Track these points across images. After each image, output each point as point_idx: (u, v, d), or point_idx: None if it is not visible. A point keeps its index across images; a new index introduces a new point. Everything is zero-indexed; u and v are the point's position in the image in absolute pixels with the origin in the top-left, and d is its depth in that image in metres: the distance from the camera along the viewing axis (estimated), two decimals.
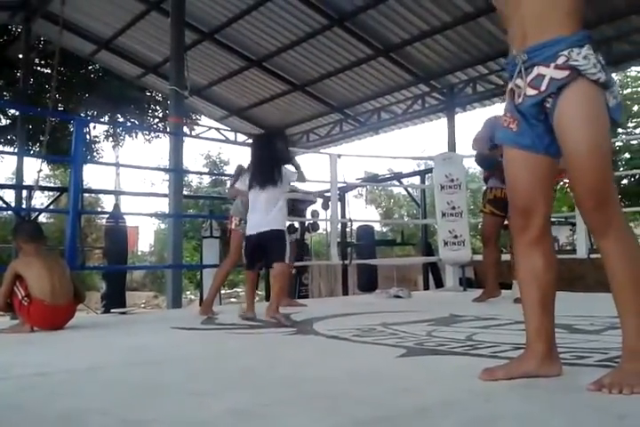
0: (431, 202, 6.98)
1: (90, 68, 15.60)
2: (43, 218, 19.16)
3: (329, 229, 6.26)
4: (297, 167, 3.99)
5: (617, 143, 12.57)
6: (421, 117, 11.99)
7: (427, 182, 8.33)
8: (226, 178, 5.14)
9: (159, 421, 1.38)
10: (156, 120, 17.03)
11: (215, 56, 11.45)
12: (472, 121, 4.83)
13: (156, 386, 1.77)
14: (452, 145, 10.26)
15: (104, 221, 10.04)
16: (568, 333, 2.58)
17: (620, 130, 12.98)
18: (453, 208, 6.00)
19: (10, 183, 16.56)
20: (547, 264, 1.69)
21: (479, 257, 5.38)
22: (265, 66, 11.46)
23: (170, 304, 6.96)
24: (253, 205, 3.72)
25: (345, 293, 8.43)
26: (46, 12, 10.86)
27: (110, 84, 14.90)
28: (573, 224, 8.16)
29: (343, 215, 7.07)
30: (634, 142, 13.12)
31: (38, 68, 14.71)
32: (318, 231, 8.41)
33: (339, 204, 6.55)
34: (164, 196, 7.82)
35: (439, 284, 7.56)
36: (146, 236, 33.41)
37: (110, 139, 17.06)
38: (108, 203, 23.39)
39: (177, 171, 7.61)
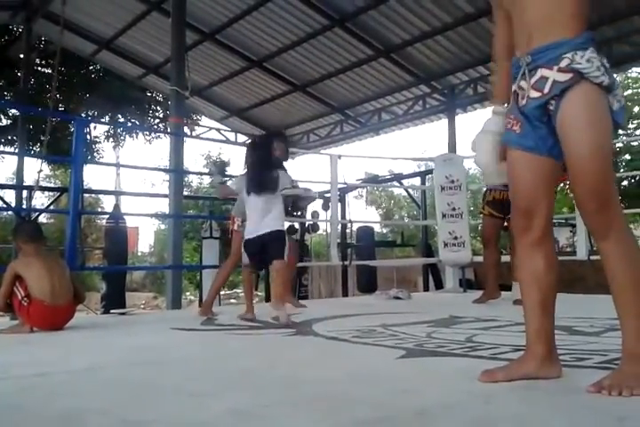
0: (431, 203, 6.98)
1: (90, 68, 15.61)
2: (43, 218, 19.18)
3: (329, 230, 6.26)
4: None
5: (617, 144, 12.58)
6: (422, 118, 12.00)
7: (427, 183, 8.33)
8: (226, 179, 5.16)
9: (159, 421, 1.38)
10: (157, 120, 17.03)
11: (216, 56, 11.46)
12: (473, 122, 4.83)
13: (155, 386, 1.77)
14: (452, 146, 10.27)
15: (104, 221, 10.04)
16: (568, 334, 2.58)
17: (620, 131, 12.99)
18: (454, 209, 6.01)
19: (10, 183, 16.57)
20: (548, 266, 1.69)
21: (479, 258, 5.38)
22: (265, 66, 11.47)
23: (169, 305, 6.96)
24: (251, 209, 3.73)
25: (345, 294, 8.43)
26: (47, 12, 10.86)
27: (111, 84, 14.91)
28: (573, 226, 8.17)
29: (343, 216, 7.07)
30: (634, 144, 13.13)
31: (39, 68, 14.72)
32: (318, 232, 8.42)
33: (339, 205, 6.55)
34: (165, 196, 7.82)
35: (439, 285, 7.56)
36: (146, 236, 33.46)
37: (111, 139, 17.07)
38: (108, 203, 23.43)
39: (177, 171, 7.62)
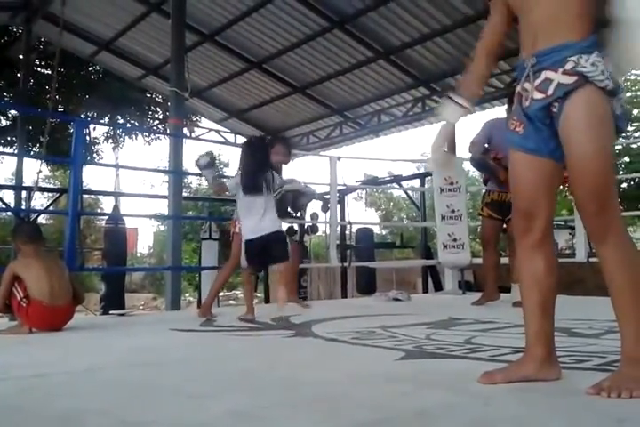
0: (431, 205, 6.98)
1: (90, 69, 15.61)
2: (42, 219, 19.14)
3: (328, 232, 6.26)
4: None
5: (617, 147, 12.58)
6: (421, 120, 11.98)
7: (426, 185, 8.33)
8: (225, 180, 5.17)
9: (158, 422, 1.38)
10: (156, 122, 17.03)
11: (215, 58, 11.46)
12: (472, 124, 4.83)
13: (154, 387, 1.77)
14: (451, 148, 10.25)
15: (103, 222, 10.04)
16: (567, 336, 2.58)
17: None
18: (453, 211, 6.01)
19: (9, 184, 16.56)
20: (548, 267, 1.69)
21: (478, 260, 5.38)
22: (265, 68, 11.46)
23: (169, 306, 6.95)
24: (248, 209, 3.75)
25: (344, 295, 8.43)
26: (47, 13, 10.86)
27: (110, 85, 14.91)
28: (573, 228, 8.17)
29: (342, 218, 7.07)
30: (634, 146, 13.13)
31: (39, 69, 14.71)
32: (317, 234, 8.42)
33: (338, 206, 6.55)
34: (164, 197, 7.82)
35: (438, 287, 7.56)
36: (145, 237, 33.42)
37: (110, 140, 17.07)
38: (107, 204, 23.42)
39: (177, 172, 7.61)
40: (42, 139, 9.86)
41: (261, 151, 3.88)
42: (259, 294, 9.48)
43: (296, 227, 5.34)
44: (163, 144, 17.10)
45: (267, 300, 8.20)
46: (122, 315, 4.58)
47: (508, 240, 4.59)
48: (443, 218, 6.07)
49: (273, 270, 3.81)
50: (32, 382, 1.88)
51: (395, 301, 5.20)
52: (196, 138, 14.38)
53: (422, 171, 11.58)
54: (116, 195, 18.17)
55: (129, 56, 12.31)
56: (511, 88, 8.88)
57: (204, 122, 15.61)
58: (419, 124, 12.30)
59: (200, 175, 5.04)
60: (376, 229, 19.65)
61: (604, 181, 1.56)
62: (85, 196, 13.07)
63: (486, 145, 4.52)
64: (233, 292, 18.16)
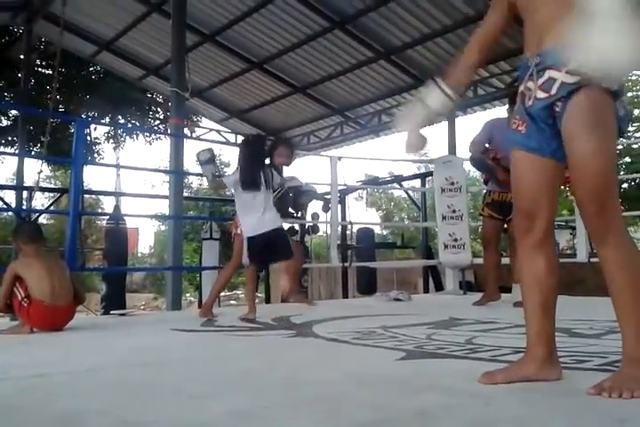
0: (431, 205, 6.98)
1: (91, 69, 15.63)
2: (43, 219, 19.16)
3: (329, 232, 6.26)
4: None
5: (618, 147, 12.56)
6: None
7: (427, 185, 8.33)
8: (223, 177, 5.21)
9: (159, 422, 1.38)
10: (157, 122, 17.05)
11: (216, 58, 11.47)
12: (473, 124, 4.84)
13: (155, 387, 1.77)
14: (452, 148, 10.27)
15: (104, 222, 10.04)
16: (568, 337, 2.58)
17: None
18: (454, 211, 6.00)
19: (10, 184, 16.56)
20: (549, 267, 1.69)
21: (479, 260, 5.37)
22: (266, 68, 11.47)
23: (169, 306, 6.95)
24: (248, 206, 3.80)
25: (344, 295, 8.42)
26: (47, 13, 10.87)
27: (111, 85, 14.92)
28: (573, 228, 8.17)
29: (343, 218, 7.08)
30: (634, 146, 13.13)
31: (39, 69, 14.73)
32: (318, 234, 8.41)
33: (339, 206, 6.55)
34: (165, 197, 7.82)
35: (439, 287, 7.56)
36: (146, 237, 33.45)
37: (111, 140, 17.08)
38: (108, 204, 23.43)
39: (177, 172, 7.62)
40: (43, 139, 9.86)
41: (259, 148, 3.95)
42: (259, 294, 9.48)
43: (297, 227, 5.34)
44: (163, 144, 17.13)
45: (267, 300, 8.20)
46: (123, 315, 4.58)
47: (509, 240, 4.59)
48: (443, 218, 6.07)
49: (275, 270, 3.83)
50: (33, 382, 1.88)
51: (395, 301, 5.20)
52: (197, 138, 14.39)
53: (423, 171, 11.59)
54: (117, 195, 18.16)
55: (130, 56, 12.33)
56: (512, 88, 8.88)
57: (205, 122, 15.64)
58: None
59: (200, 175, 5.05)
60: (377, 230, 19.65)
61: (605, 181, 1.56)
62: (86, 196, 13.10)
63: (487, 145, 4.52)
64: (234, 292, 18.17)
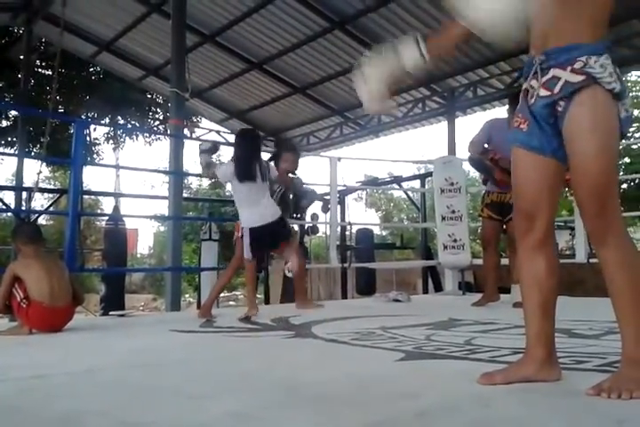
0: (431, 205, 6.98)
1: (91, 70, 15.63)
2: (42, 220, 19.15)
3: (328, 233, 6.26)
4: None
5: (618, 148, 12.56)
6: (422, 121, 12.00)
7: (427, 186, 8.32)
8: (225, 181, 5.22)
9: (158, 423, 1.38)
10: (157, 122, 17.05)
11: (216, 58, 11.47)
12: (472, 125, 4.84)
13: (154, 388, 1.77)
14: (452, 149, 10.27)
15: (103, 223, 10.05)
16: (567, 337, 2.58)
17: None
18: (453, 212, 6.00)
19: (10, 185, 16.57)
20: (549, 268, 1.68)
21: (479, 261, 5.37)
22: (266, 68, 11.47)
23: (168, 307, 6.95)
24: (246, 198, 3.92)
25: (344, 296, 8.42)
26: (48, 14, 10.87)
27: (111, 86, 14.93)
28: (573, 229, 8.16)
29: (343, 218, 7.08)
30: (634, 147, 13.14)
31: (39, 70, 14.73)
32: (317, 234, 8.41)
33: (338, 207, 6.55)
34: (164, 198, 7.82)
35: (438, 288, 7.55)
36: (145, 238, 33.42)
37: (110, 141, 17.09)
38: (107, 205, 23.41)
39: (177, 173, 7.61)
40: (42, 139, 9.85)
41: (253, 140, 4.08)
42: (259, 296, 9.47)
43: (296, 228, 5.34)
44: (163, 145, 17.13)
45: (267, 301, 8.19)
46: (122, 316, 4.58)
47: (508, 241, 4.59)
48: (443, 219, 6.07)
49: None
50: (32, 383, 1.87)
51: (395, 302, 5.20)
52: (197, 138, 14.38)
53: (422, 171, 11.59)
54: (117, 195, 18.17)
55: (129, 57, 12.33)
56: (512, 89, 8.85)
57: (205, 122, 15.65)
58: (419, 125, 12.32)
59: (200, 176, 5.09)
60: (376, 230, 19.66)
61: (605, 182, 1.55)
62: (86, 196, 13.07)
63: (486, 145, 4.52)
64: (233, 293, 18.15)
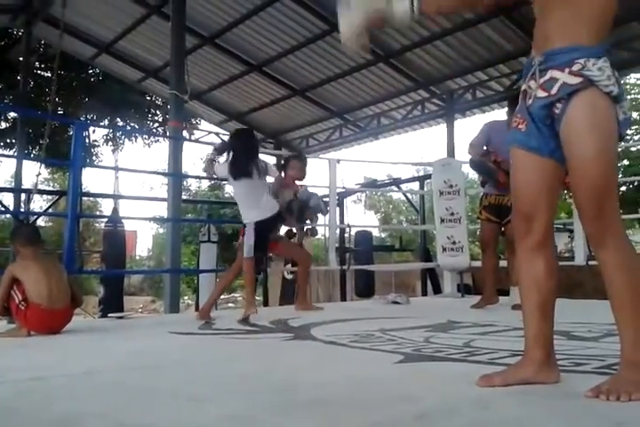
0: (430, 208, 6.98)
1: (90, 71, 15.63)
2: (41, 221, 19.14)
3: (327, 235, 6.26)
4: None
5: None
6: (421, 123, 12.01)
7: (426, 188, 8.33)
8: (225, 182, 5.16)
9: (156, 425, 1.38)
10: (156, 124, 17.04)
11: (215, 61, 11.47)
12: (471, 127, 4.85)
13: (153, 390, 1.77)
14: (451, 151, 10.27)
15: (102, 224, 10.04)
16: (566, 339, 2.58)
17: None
18: (452, 214, 6.01)
19: (8, 186, 16.55)
20: (548, 270, 1.69)
21: (477, 263, 5.37)
22: (265, 71, 11.48)
23: (167, 309, 6.94)
24: (247, 195, 4.08)
25: (343, 298, 8.42)
26: (47, 16, 10.87)
27: (110, 87, 14.93)
28: (572, 231, 8.17)
29: (342, 221, 7.08)
30: (633, 149, 13.16)
31: (38, 72, 14.73)
32: (317, 236, 8.40)
33: (337, 209, 6.55)
34: (163, 200, 7.81)
35: (437, 290, 7.55)
36: (144, 240, 33.37)
37: (110, 143, 17.08)
38: (106, 207, 23.40)
39: (176, 175, 7.61)
40: (41, 141, 9.86)
41: (247, 139, 4.22)
42: (258, 297, 9.47)
43: (295, 230, 5.34)
44: (162, 147, 17.14)
45: (265, 303, 8.19)
46: (120, 318, 4.57)
47: (507, 243, 4.59)
48: (442, 221, 6.07)
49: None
50: (30, 385, 1.87)
51: (393, 304, 5.20)
52: (196, 140, 14.37)
53: (422, 174, 11.59)
54: (116, 197, 18.18)
55: (129, 59, 12.33)
56: (511, 91, 8.84)
57: (204, 124, 15.65)
58: (418, 127, 12.33)
59: (199, 178, 5.13)
60: (375, 232, 19.66)
61: (604, 185, 1.55)
62: (84, 198, 13.06)
63: (484, 147, 4.52)
64: (232, 295, 18.13)
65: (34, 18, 11.33)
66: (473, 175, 16.74)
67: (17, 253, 3.43)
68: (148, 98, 16.10)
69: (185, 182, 21.19)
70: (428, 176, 7.20)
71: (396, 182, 10.30)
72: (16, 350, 2.77)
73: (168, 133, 10.08)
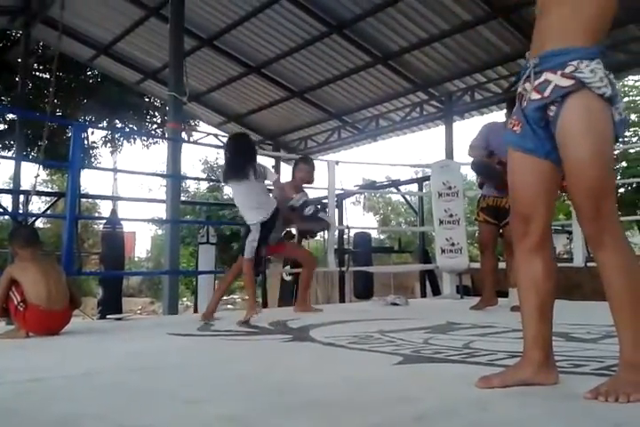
0: (429, 209, 6.98)
1: (88, 73, 15.64)
2: (39, 223, 19.12)
3: (326, 236, 6.25)
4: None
5: (614, 152, 12.57)
6: (419, 125, 12.03)
7: (424, 190, 8.34)
8: (223, 184, 5.17)
9: (155, 426, 1.38)
10: (155, 126, 17.03)
11: (214, 62, 11.48)
12: (470, 129, 4.85)
13: (152, 392, 1.76)
14: (449, 153, 10.28)
15: (101, 226, 10.03)
16: (565, 341, 2.58)
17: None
18: (451, 216, 6.01)
19: (7, 188, 16.54)
20: (547, 271, 1.69)
21: (476, 265, 5.38)
22: (264, 72, 11.49)
23: (166, 310, 6.93)
24: (246, 197, 4.10)
25: (342, 300, 8.41)
26: (46, 17, 10.88)
27: (109, 89, 14.92)
28: (570, 233, 8.17)
29: (340, 222, 7.07)
30: (631, 151, 13.16)
31: (37, 73, 14.73)
32: (315, 238, 8.40)
33: (336, 210, 6.55)
34: (162, 201, 7.81)
35: (436, 291, 7.55)
36: (143, 241, 33.32)
37: (108, 144, 17.07)
38: (105, 208, 23.36)
39: (175, 176, 7.60)
40: (40, 143, 9.86)
41: (245, 143, 4.25)
42: (257, 299, 9.46)
43: (294, 231, 5.34)
44: (161, 148, 17.12)
45: (264, 304, 8.18)
46: (119, 319, 4.56)
47: (505, 245, 4.59)
48: (441, 222, 6.07)
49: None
50: (29, 386, 1.87)
51: (392, 305, 5.20)
52: (195, 142, 14.37)
53: (420, 175, 11.60)
54: (114, 199, 18.14)
55: (127, 60, 12.34)
56: (509, 93, 8.85)
57: (203, 126, 15.64)
58: (417, 129, 12.34)
59: (197, 179, 5.15)
60: (374, 234, 19.64)
61: (600, 186, 1.56)
62: (83, 200, 13.04)
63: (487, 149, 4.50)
64: (231, 296, 18.12)
65: (32, 19, 11.34)
66: (471, 177, 16.75)
67: (15, 254, 3.43)
68: (147, 99, 16.10)
69: (184, 184, 21.19)
70: (427, 178, 7.20)
71: (395, 184, 10.30)
72: (15, 351, 2.77)
73: (167, 135, 10.06)
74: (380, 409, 1.49)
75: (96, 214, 21.32)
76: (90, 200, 20.12)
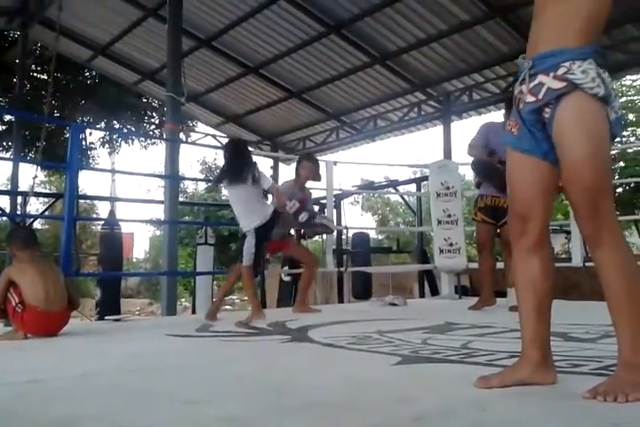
0: (427, 209, 6.98)
1: (86, 74, 15.63)
2: (38, 224, 19.12)
3: (324, 236, 6.25)
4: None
5: (612, 152, 12.58)
6: (417, 125, 12.03)
7: (422, 190, 8.34)
8: (221, 184, 5.16)
9: None
10: (153, 127, 17.03)
11: (212, 63, 11.48)
12: (468, 129, 4.84)
13: (150, 393, 1.76)
14: (447, 153, 10.28)
15: (99, 227, 10.01)
16: (563, 341, 2.58)
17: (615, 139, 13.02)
18: (449, 216, 6.01)
19: (5, 189, 16.53)
20: (544, 271, 1.69)
21: (475, 265, 5.38)
22: (262, 73, 11.49)
23: (164, 311, 6.93)
24: (243, 201, 4.12)
25: (340, 300, 8.41)
26: (43, 18, 10.86)
27: (107, 90, 14.91)
28: (568, 232, 8.18)
29: (339, 222, 7.07)
30: (629, 150, 13.18)
31: (35, 74, 14.72)
32: (314, 238, 8.40)
33: (334, 211, 6.55)
34: (160, 202, 7.80)
35: (435, 291, 7.56)
36: (141, 242, 33.38)
37: (106, 145, 17.05)
38: (103, 209, 23.34)
39: (173, 177, 7.60)
40: (38, 144, 9.85)
41: (242, 148, 4.29)
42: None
43: (292, 232, 5.34)
44: (159, 149, 17.12)
45: (263, 305, 8.18)
46: (117, 320, 4.56)
47: (503, 245, 4.59)
48: (439, 223, 6.08)
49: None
50: (27, 387, 1.87)
51: (391, 305, 5.20)
52: (193, 143, 14.37)
53: (419, 176, 11.60)
54: (112, 200, 18.13)
55: (125, 61, 12.33)
56: (508, 93, 8.86)
57: (201, 127, 15.63)
58: (415, 129, 12.34)
59: (195, 180, 5.14)
60: (372, 234, 19.65)
61: (597, 186, 1.56)
62: (81, 201, 13.07)
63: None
64: (230, 297, 18.12)
65: (30, 20, 11.32)
66: (470, 177, 16.76)
67: (13, 256, 3.42)
68: (145, 100, 16.09)
69: (182, 184, 21.18)
70: (425, 178, 7.21)
71: (394, 184, 10.31)
72: (13, 352, 2.77)
73: (165, 136, 10.06)
74: (379, 410, 1.49)
75: (94, 215, 21.30)
76: (88, 201, 20.14)
